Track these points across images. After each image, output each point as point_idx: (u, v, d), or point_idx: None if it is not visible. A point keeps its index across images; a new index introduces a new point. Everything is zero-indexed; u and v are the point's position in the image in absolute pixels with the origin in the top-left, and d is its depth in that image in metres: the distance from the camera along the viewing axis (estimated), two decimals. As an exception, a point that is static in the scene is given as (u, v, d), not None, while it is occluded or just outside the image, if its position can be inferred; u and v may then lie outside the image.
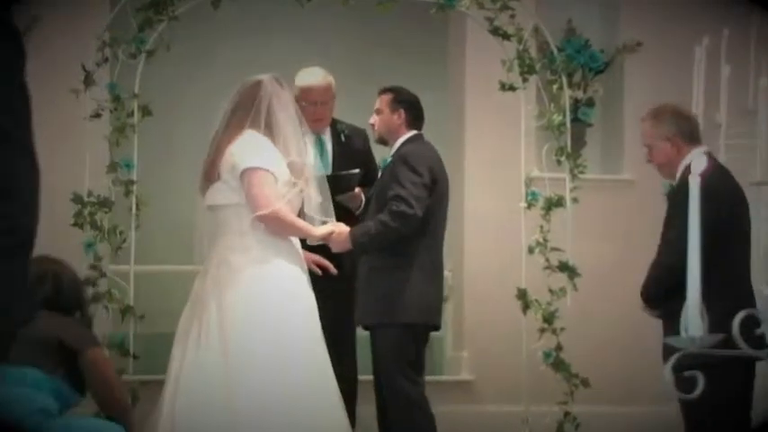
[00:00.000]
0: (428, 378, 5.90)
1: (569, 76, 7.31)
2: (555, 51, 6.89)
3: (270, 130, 5.08)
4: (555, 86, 6.80)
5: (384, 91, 5.96)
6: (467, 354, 7.67)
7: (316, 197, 5.20)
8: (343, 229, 5.45)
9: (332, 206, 5.33)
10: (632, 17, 7.89)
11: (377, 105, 5.94)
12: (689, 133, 5.22)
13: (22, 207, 1.95)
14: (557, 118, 6.68)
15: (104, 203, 6.33)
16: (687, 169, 5.16)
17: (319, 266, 5.39)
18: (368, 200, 6.02)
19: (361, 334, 6.05)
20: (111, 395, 4.62)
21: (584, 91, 7.80)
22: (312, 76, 6.21)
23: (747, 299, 4.76)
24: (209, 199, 5.11)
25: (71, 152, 6.60)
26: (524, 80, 6.66)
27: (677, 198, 4.88)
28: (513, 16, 6.55)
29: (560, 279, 6.54)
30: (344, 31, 8.79)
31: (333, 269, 5.43)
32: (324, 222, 5.28)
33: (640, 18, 7.87)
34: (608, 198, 7.53)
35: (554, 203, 6.61)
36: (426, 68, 8.00)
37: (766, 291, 4.68)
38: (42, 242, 4.79)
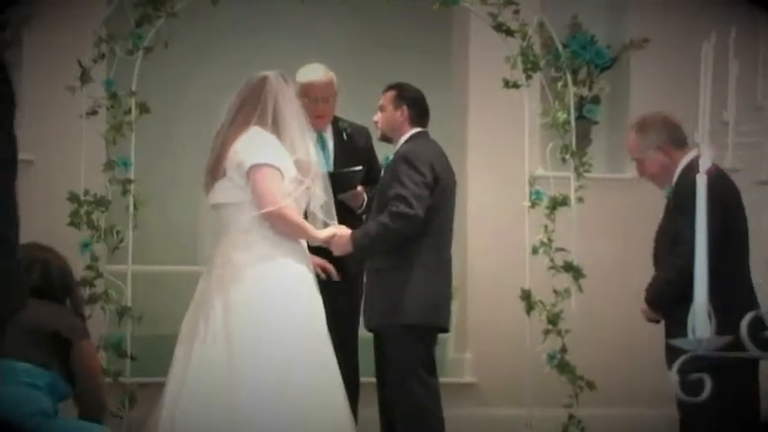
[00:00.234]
0: (431, 380, 5.90)
1: (574, 72, 7.32)
2: (560, 48, 6.88)
3: (276, 126, 5.09)
4: (560, 84, 6.80)
5: (388, 88, 5.96)
6: (470, 356, 7.67)
7: (322, 196, 5.22)
8: (344, 231, 5.44)
9: (334, 206, 5.35)
10: (639, 13, 7.89)
11: (380, 102, 5.94)
12: (678, 139, 5.28)
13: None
14: (561, 116, 6.68)
15: (101, 202, 6.33)
16: (687, 170, 5.20)
17: (323, 270, 5.40)
18: (370, 199, 6.03)
19: (363, 336, 6.05)
20: (94, 391, 4.59)
21: (590, 88, 7.80)
22: (313, 72, 6.22)
23: (752, 300, 4.77)
24: (213, 197, 5.11)
25: (67, 150, 6.61)
26: (528, 77, 6.66)
27: (689, 199, 4.88)
28: (517, 12, 6.55)
29: (565, 280, 6.54)
30: (346, 29, 8.79)
31: (336, 275, 5.43)
32: (326, 224, 5.29)
33: (647, 14, 7.87)
34: (614, 197, 7.53)
35: (559, 203, 6.61)
36: (429, 67, 8.00)
37: (763, 284, 4.69)
38: (38, 241, 4.80)
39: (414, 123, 5.86)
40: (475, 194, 7.57)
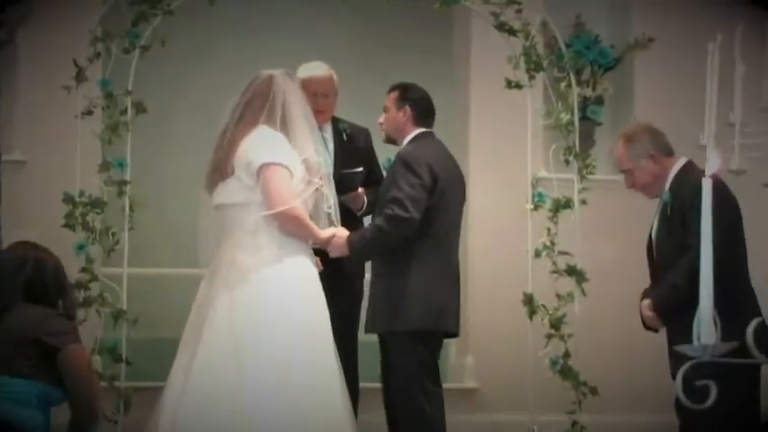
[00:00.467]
0: (431, 386, 5.89)
1: (578, 73, 7.31)
2: (563, 47, 6.88)
3: (285, 125, 5.10)
4: (563, 84, 6.79)
5: (391, 89, 5.96)
6: (471, 360, 7.67)
7: (330, 197, 5.23)
8: (342, 233, 5.45)
9: (338, 207, 5.36)
10: (644, 12, 7.89)
11: (384, 103, 5.95)
12: (667, 148, 5.38)
13: None
14: (565, 117, 6.68)
15: (96, 204, 6.32)
16: (680, 177, 5.23)
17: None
18: (372, 202, 6.03)
19: (363, 340, 6.05)
20: (85, 398, 4.53)
21: (594, 89, 7.81)
22: (313, 68, 6.24)
23: (754, 306, 4.78)
24: (218, 197, 5.10)
25: (62, 151, 6.60)
26: (531, 77, 6.65)
27: (693, 204, 4.89)
28: (519, 11, 6.55)
29: (568, 284, 6.53)
30: (346, 29, 8.79)
31: (320, 265, 5.39)
32: (331, 225, 5.31)
33: (652, 13, 7.87)
34: (618, 200, 7.51)
35: (562, 205, 6.60)
36: (430, 67, 7.99)
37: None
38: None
39: (417, 124, 5.86)
40: (476, 197, 7.56)
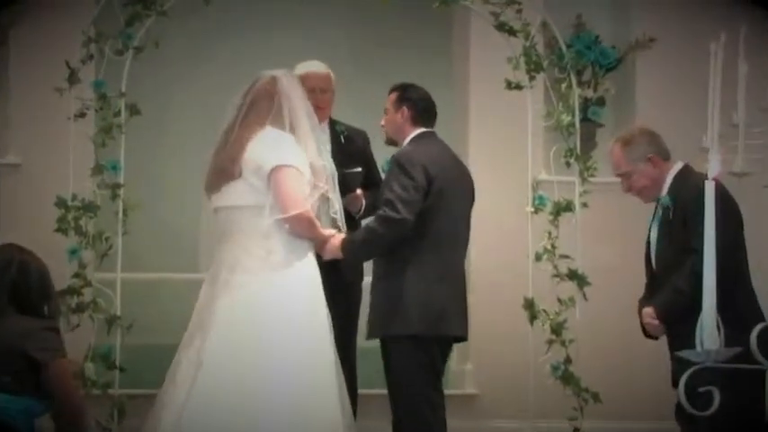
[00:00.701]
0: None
1: (579, 73, 7.30)
2: (563, 48, 6.88)
3: (292, 127, 5.11)
4: (563, 85, 6.79)
5: (391, 90, 5.96)
6: (471, 367, 7.67)
7: (337, 202, 5.25)
8: (337, 236, 5.45)
9: (343, 210, 5.39)
10: (645, 12, 7.89)
11: (385, 105, 5.95)
12: (665, 151, 5.40)
13: None
14: (565, 118, 6.68)
15: (89, 208, 6.33)
16: (679, 180, 5.24)
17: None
18: (370, 205, 6.03)
19: (362, 346, 6.05)
20: (70, 415, 4.46)
21: (595, 89, 7.80)
22: (311, 65, 6.24)
23: (757, 310, 4.79)
24: (223, 199, 5.09)
25: (55, 154, 6.61)
26: (531, 78, 6.65)
27: (697, 207, 4.89)
28: (519, 11, 6.55)
29: (569, 288, 6.53)
30: (346, 29, 8.80)
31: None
32: (336, 229, 5.33)
33: (653, 13, 7.87)
34: (620, 202, 7.48)
35: (563, 208, 6.60)
36: (430, 67, 8.00)
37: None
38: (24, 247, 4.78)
39: (416, 124, 5.84)
40: (476, 199, 7.56)
